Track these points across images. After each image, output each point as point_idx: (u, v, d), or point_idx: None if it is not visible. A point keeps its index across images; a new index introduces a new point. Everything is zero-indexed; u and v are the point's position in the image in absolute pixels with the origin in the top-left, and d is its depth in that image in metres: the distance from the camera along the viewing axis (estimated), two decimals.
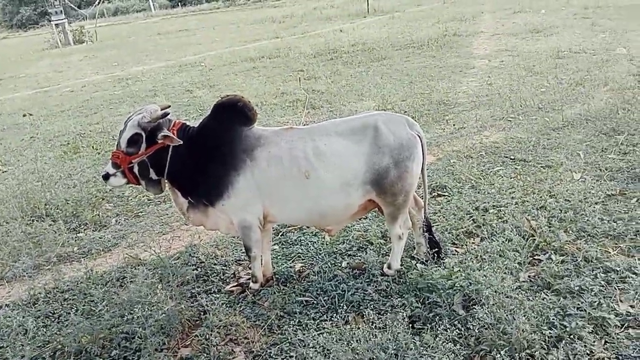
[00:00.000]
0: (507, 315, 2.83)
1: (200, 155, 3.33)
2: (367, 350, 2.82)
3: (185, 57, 16.58)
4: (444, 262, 3.59)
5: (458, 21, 16.78)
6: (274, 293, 3.56)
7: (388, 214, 3.40)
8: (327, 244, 4.14)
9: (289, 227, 4.43)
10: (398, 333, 2.90)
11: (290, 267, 3.88)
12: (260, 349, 3.06)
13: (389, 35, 15.09)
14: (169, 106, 3.43)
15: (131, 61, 17.15)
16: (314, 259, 3.96)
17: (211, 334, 3.12)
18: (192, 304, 3.52)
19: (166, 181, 3.49)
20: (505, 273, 3.32)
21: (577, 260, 3.46)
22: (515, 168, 5.10)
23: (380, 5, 22.21)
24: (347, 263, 3.82)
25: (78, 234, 4.94)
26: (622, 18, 13.83)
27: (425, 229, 3.63)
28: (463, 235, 4.01)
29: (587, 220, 3.90)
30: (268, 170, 3.25)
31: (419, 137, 3.31)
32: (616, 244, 3.64)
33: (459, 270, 3.33)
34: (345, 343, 2.93)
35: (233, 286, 3.72)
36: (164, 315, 3.18)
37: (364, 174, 3.22)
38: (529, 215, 4.07)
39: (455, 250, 3.83)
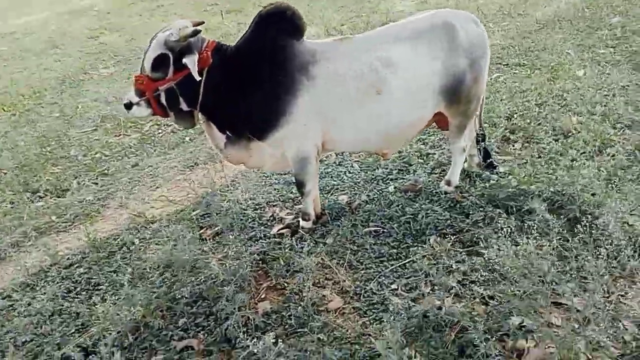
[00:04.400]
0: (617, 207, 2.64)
1: (243, 80, 2.77)
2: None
3: (71, 2, 14.74)
4: (498, 171, 3.39)
5: None
6: (333, 228, 3.17)
7: (456, 125, 3.07)
8: (359, 172, 3.77)
9: None
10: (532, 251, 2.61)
11: (334, 200, 3.48)
12: (355, 288, 2.68)
13: None
14: (203, 22, 2.81)
15: (10, 14, 14.94)
16: (354, 188, 3.59)
17: (303, 281, 2.68)
18: (244, 255, 3.03)
19: (199, 113, 2.91)
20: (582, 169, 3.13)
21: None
22: (514, 73, 4.96)
23: None
24: (395, 187, 3.49)
25: (39, 203, 4.15)
26: None
27: (481, 138, 3.36)
28: (501, 142, 3.80)
29: (619, 112, 3.84)
30: (329, 89, 2.77)
31: None
32: None
33: (538, 174, 3.11)
34: (442, 267, 2.66)
35: (281, 229, 3.27)
36: (234, 269, 2.70)
37: (440, 81, 2.84)
38: (565, 112, 3.93)
39: (501, 159, 3.62)
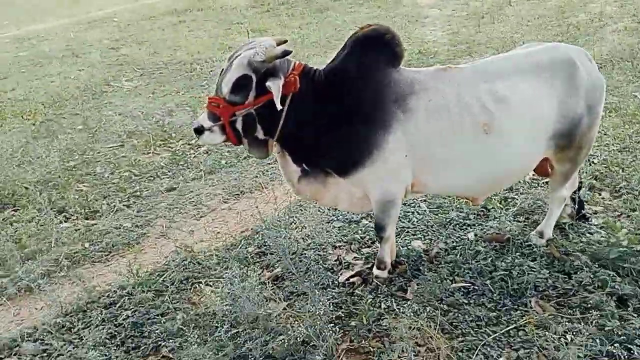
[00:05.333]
0: None
1: (331, 109, 2.42)
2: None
3: (90, 12, 14.49)
4: (591, 223, 3.04)
5: None
6: (413, 281, 2.79)
7: (562, 172, 2.71)
8: (429, 213, 3.40)
9: None
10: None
11: (406, 245, 3.10)
12: (453, 357, 2.29)
13: None
14: (286, 41, 2.46)
15: (26, 19, 14.68)
16: (427, 232, 3.21)
17: (403, 351, 2.28)
18: (317, 308, 2.64)
19: (275, 142, 2.55)
20: None
21: None
22: None
23: None
24: (475, 235, 3.12)
25: (66, 224, 3.76)
26: None
27: (577, 187, 3.01)
28: (588, 190, 3.45)
29: None
30: (428, 124, 2.41)
31: None
32: None
33: None
34: (554, 337, 2.29)
35: (351, 276, 2.88)
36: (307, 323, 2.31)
37: (554, 124, 2.49)
38: None
39: (590, 209, 3.26)
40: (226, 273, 2.86)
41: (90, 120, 5.89)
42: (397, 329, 2.36)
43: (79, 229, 3.64)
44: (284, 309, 2.64)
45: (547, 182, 3.42)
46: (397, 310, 2.57)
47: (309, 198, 2.73)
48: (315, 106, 2.42)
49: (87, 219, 3.86)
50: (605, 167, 3.60)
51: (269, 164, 4.32)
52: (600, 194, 3.40)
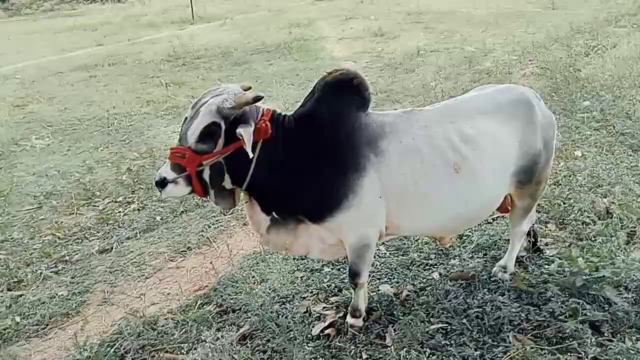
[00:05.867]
0: None
1: (304, 154, 2.34)
2: None
3: None
4: (545, 255, 3.15)
5: (296, 27, 16.68)
6: (387, 326, 2.70)
7: (522, 207, 2.79)
8: (389, 255, 3.36)
9: None
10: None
11: (377, 291, 3.02)
12: None
13: (236, 40, 14.29)
14: (250, 87, 2.37)
15: None
16: (393, 275, 3.16)
17: None
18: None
19: (242, 191, 2.41)
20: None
21: None
22: None
23: (206, 12, 21.07)
24: (440, 274, 3.11)
25: None
26: (448, 21, 15.09)
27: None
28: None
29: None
30: (401, 166, 2.39)
31: None
32: None
33: (601, 258, 2.88)
34: None
35: (324, 328, 2.74)
36: None
37: (517, 161, 2.57)
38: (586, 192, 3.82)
39: (542, 241, 3.37)
40: (186, 337, 2.63)
41: (1, 183, 5.36)
42: None
43: (3, 302, 3.21)
44: None
45: (497, 218, 3.53)
46: (380, 359, 2.45)
47: (279, 247, 2.59)
48: (287, 152, 2.33)
49: (10, 289, 3.43)
50: (546, 200, 3.77)
51: (214, 216, 4.12)
52: (546, 226, 3.54)
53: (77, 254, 3.89)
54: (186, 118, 2.26)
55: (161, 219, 4.37)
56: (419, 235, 3.33)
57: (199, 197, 2.37)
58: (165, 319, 2.89)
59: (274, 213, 2.45)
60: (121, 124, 7.32)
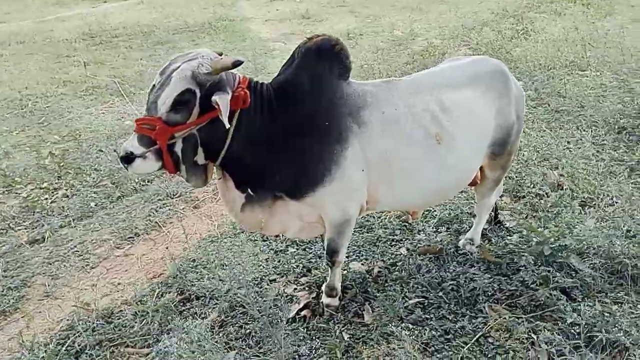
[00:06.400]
0: None
1: (284, 125, 2.18)
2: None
3: None
4: (504, 226, 3.21)
5: (219, 6, 16.14)
6: (363, 304, 2.62)
7: (493, 179, 2.77)
8: (354, 233, 3.27)
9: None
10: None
11: (348, 269, 2.93)
12: None
13: (156, 19, 13.58)
14: (222, 53, 2.15)
15: None
16: (361, 252, 3.08)
17: None
18: (274, 348, 2.32)
19: (215, 167, 2.22)
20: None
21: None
22: None
23: None
24: (407, 249, 3.07)
25: None
26: (372, 6, 15.20)
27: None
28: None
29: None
30: (383, 137, 2.28)
31: None
32: None
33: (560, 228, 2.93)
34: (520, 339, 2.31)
35: (300, 310, 2.61)
36: None
37: (492, 133, 2.54)
38: (535, 166, 3.92)
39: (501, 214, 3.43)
40: (148, 330, 2.41)
41: None
42: (377, 357, 2.16)
43: None
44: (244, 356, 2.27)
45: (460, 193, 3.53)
46: (364, 338, 2.37)
47: (254, 227, 2.40)
48: (265, 123, 2.15)
49: None
50: None
51: (159, 200, 3.84)
52: (501, 199, 3.60)
53: (3, 245, 3.48)
54: (154, 85, 2.02)
55: (96, 205, 4.02)
56: (396, 209, 3.24)
57: (169, 174, 2.13)
58: (121, 310, 2.64)
59: (249, 190, 2.27)
60: (36, 105, 6.70)
